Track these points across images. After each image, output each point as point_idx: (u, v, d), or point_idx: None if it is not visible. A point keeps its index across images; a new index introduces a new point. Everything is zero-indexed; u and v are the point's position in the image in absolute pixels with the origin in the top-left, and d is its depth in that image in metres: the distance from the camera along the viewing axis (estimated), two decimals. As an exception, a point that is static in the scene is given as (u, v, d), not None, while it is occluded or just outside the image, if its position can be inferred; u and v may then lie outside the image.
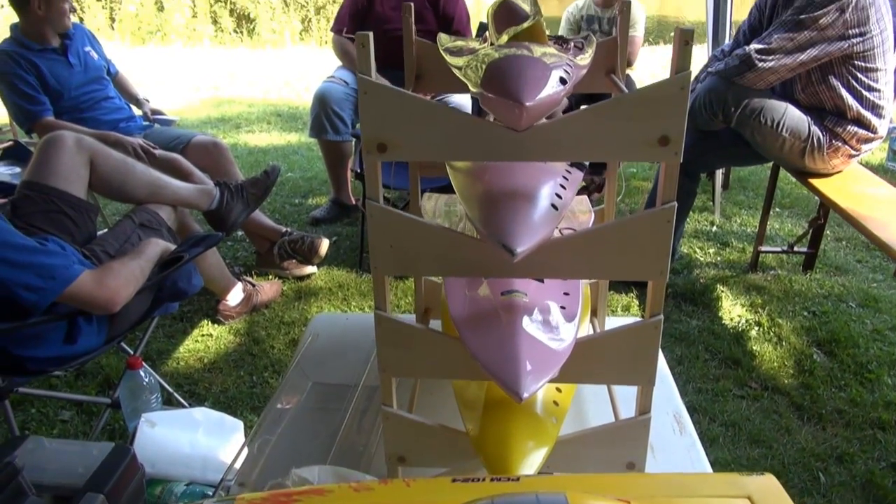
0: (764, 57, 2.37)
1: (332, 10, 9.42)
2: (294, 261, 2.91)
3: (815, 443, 1.98)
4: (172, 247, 1.85)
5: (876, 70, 2.39)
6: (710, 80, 2.54)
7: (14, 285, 1.46)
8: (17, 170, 2.73)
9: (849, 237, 3.34)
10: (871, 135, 2.46)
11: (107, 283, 1.57)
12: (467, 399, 0.82)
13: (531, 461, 0.71)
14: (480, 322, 0.71)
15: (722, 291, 2.82)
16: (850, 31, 2.30)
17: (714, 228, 3.45)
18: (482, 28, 3.62)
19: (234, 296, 2.60)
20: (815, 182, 2.53)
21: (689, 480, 0.69)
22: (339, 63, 3.45)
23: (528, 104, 0.56)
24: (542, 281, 0.77)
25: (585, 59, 0.76)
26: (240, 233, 3.08)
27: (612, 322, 1.07)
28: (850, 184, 2.52)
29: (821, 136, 2.46)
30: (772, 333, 2.53)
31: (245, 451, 0.98)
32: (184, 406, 1.99)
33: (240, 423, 1.52)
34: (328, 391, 1.09)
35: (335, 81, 3.30)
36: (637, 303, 2.71)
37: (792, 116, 2.45)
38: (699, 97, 2.53)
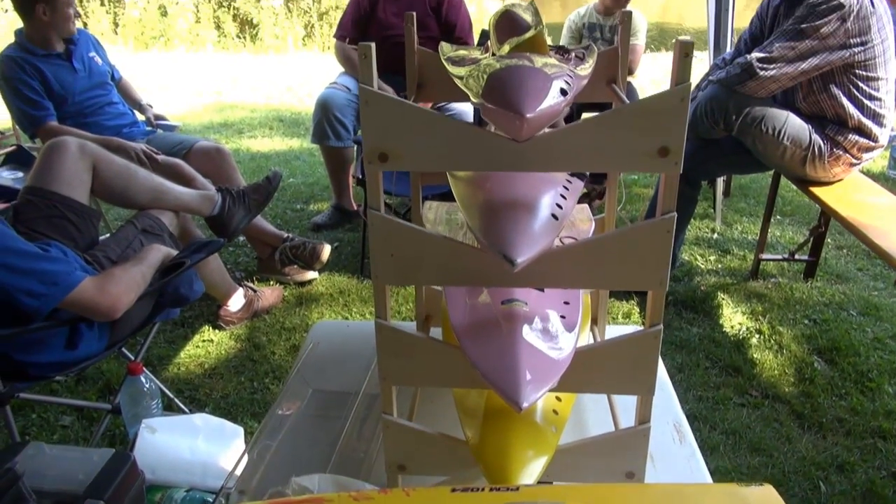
0: (765, 65, 2.38)
1: (335, 16, 9.45)
2: (295, 266, 2.92)
3: (816, 451, 1.98)
4: (174, 253, 1.86)
5: (877, 79, 2.40)
6: (712, 89, 2.54)
7: (16, 291, 1.46)
8: (21, 174, 2.75)
9: (850, 245, 3.34)
10: (871, 143, 2.46)
11: (108, 289, 1.58)
12: (467, 407, 0.82)
13: (531, 470, 0.71)
14: (480, 331, 0.71)
15: (723, 299, 2.82)
16: (851, 41, 2.31)
17: (715, 236, 3.45)
18: (484, 35, 3.63)
19: (236, 301, 2.60)
20: (816, 190, 2.54)
21: (687, 491, 0.69)
22: (342, 69, 3.47)
23: (528, 115, 0.56)
24: (542, 290, 0.77)
25: (586, 69, 0.76)
26: (241, 238, 3.08)
27: (613, 330, 1.07)
28: (850, 192, 2.52)
29: (822, 145, 2.46)
30: (772, 341, 2.53)
31: (245, 458, 0.98)
32: (184, 412, 1.99)
33: (240, 430, 1.52)
34: (329, 398, 1.09)
35: (338, 87, 3.31)
36: (638, 310, 2.71)
37: (793, 125, 2.45)
38: (700, 105, 2.54)
